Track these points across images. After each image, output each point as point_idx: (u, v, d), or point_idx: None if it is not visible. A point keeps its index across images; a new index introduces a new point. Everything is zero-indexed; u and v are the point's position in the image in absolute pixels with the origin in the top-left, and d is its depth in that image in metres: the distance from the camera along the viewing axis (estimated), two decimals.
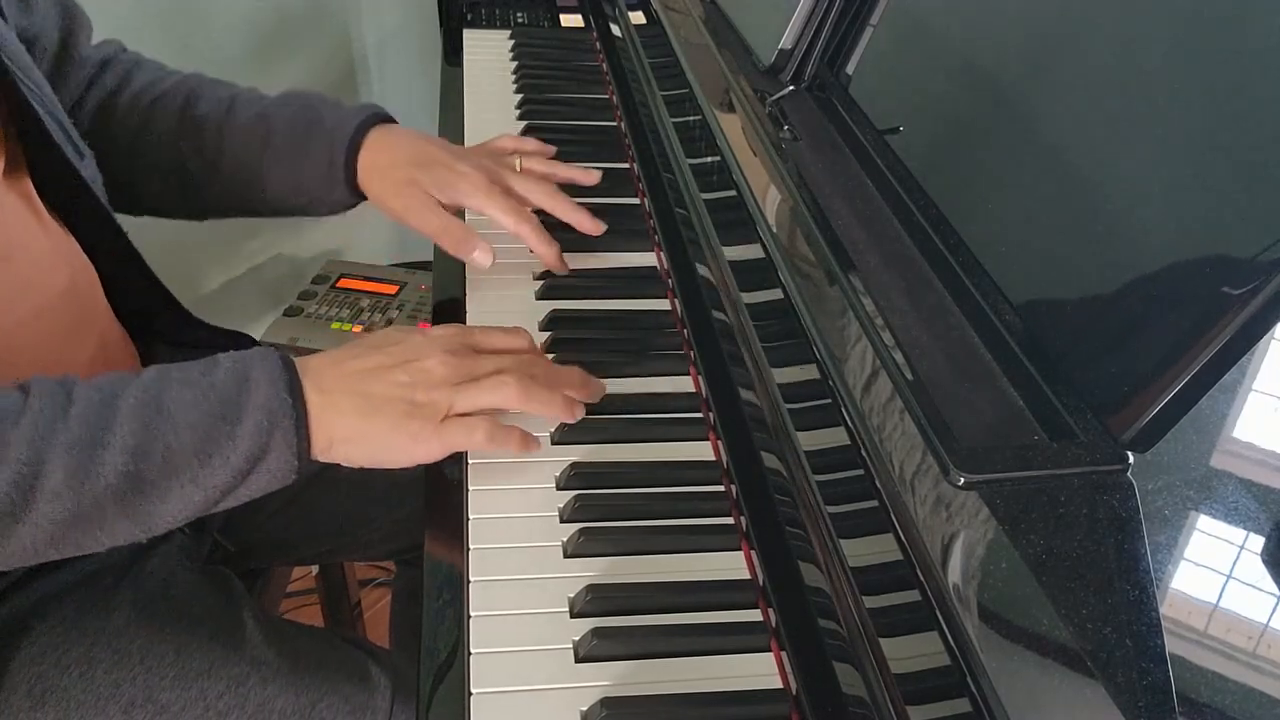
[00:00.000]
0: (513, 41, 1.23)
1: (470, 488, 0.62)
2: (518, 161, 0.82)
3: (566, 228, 0.82)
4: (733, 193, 0.74)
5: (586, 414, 0.66)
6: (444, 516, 0.62)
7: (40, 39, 0.75)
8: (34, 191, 0.68)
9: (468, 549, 0.59)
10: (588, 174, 0.86)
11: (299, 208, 0.81)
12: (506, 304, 0.78)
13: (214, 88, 0.83)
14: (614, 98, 1.11)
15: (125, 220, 0.78)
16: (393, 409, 0.57)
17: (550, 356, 0.72)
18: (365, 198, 0.80)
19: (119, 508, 0.52)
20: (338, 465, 0.59)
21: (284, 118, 0.79)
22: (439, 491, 0.63)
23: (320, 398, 0.57)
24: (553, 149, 0.88)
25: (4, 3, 0.69)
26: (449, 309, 0.79)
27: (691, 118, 0.88)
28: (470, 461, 0.64)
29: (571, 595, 0.56)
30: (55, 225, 0.70)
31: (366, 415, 0.57)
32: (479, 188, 0.76)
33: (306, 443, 0.56)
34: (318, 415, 0.56)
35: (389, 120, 0.81)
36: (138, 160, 0.80)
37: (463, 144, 1.00)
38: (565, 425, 0.65)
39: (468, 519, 0.61)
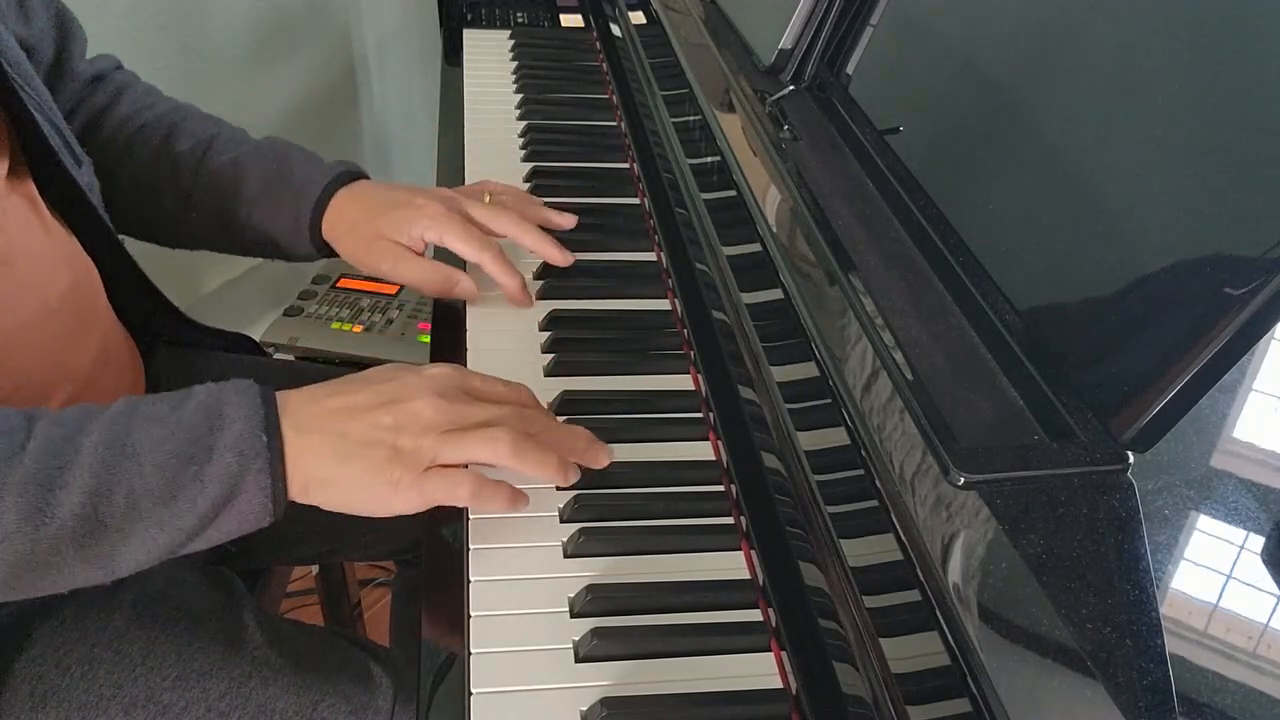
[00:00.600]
0: (513, 41, 1.23)
1: None
2: (486, 195, 0.80)
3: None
4: (733, 193, 0.74)
5: (585, 414, 0.66)
6: (444, 516, 0.62)
7: (37, 50, 0.75)
8: (37, 194, 0.68)
9: (468, 549, 0.59)
10: (564, 217, 0.82)
11: (271, 253, 0.81)
12: (506, 303, 0.78)
13: (198, 124, 0.82)
14: (614, 98, 1.11)
15: None
16: (372, 454, 0.54)
17: (550, 358, 0.73)
18: (335, 252, 0.79)
19: (77, 550, 0.50)
20: None
21: (257, 169, 0.79)
22: None
23: (298, 437, 0.53)
24: (538, 201, 0.84)
25: (3, 10, 0.69)
26: (448, 309, 0.79)
27: (691, 118, 0.88)
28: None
29: (571, 595, 0.56)
30: (58, 227, 0.70)
31: (343, 458, 0.53)
32: (435, 217, 0.74)
33: (282, 484, 0.53)
34: (294, 456, 0.53)
35: (362, 176, 0.80)
36: (119, 183, 0.80)
37: (462, 144, 1.01)
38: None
39: (468, 518, 0.60)
